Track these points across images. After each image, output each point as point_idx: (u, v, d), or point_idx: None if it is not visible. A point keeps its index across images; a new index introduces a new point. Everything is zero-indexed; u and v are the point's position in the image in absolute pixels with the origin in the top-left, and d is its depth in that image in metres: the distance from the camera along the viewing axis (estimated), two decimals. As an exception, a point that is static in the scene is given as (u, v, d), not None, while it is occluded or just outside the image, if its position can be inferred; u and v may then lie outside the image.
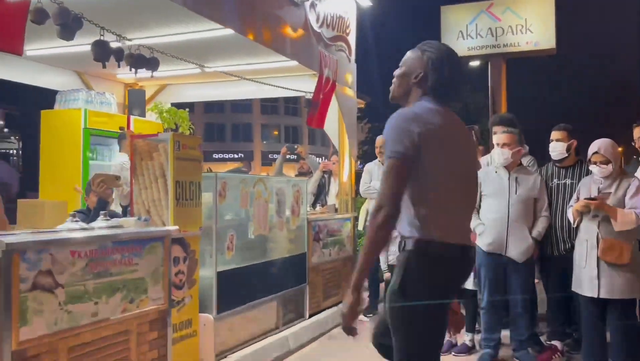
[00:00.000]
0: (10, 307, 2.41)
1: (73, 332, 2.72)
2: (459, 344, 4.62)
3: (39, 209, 5.84)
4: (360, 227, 6.28)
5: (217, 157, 46.27)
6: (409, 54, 2.47)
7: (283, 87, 6.13)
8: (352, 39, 6.49)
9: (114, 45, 4.15)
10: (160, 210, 3.69)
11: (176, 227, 3.54)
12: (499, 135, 4.32)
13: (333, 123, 6.40)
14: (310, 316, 5.32)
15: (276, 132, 51.57)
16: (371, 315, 5.82)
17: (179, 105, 8.12)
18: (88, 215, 3.84)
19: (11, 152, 29.41)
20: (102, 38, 3.88)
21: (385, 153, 2.22)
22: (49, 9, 3.12)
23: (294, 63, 5.42)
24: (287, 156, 7.14)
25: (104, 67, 4.07)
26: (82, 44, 4.37)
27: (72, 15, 3.31)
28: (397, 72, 2.46)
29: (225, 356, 4.02)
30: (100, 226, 3.30)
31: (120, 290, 3.04)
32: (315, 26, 5.54)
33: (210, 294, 3.94)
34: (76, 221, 3.15)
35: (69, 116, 6.21)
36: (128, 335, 3.10)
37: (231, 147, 48.23)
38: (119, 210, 4.35)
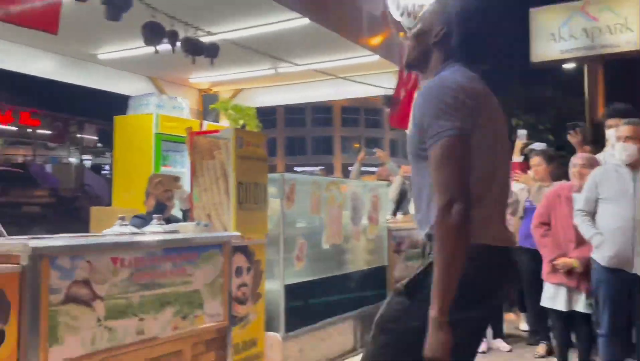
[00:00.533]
0: (38, 323, 2.07)
1: (114, 353, 2.35)
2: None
3: (110, 216, 5.66)
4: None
5: (298, 170, 46.68)
6: (425, 8, 1.96)
7: (360, 82, 5.64)
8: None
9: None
10: (222, 215, 3.30)
11: (238, 233, 3.13)
12: (620, 128, 3.61)
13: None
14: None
15: (357, 145, 51.20)
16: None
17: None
18: (146, 220, 3.52)
19: (105, 166, 30.87)
20: (153, 19, 3.57)
21: (430, 133, 1.68)
22: None
23: (374, 58, 4.96)
24: (361, 166, 6.69)
25: (156, 52, 3.76)
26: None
27: None
28: (411, 32, 1.95)
29: (295, 381, 3.56)
30: (153, 231, 2.95)
31: (172, 304, 2.65)
32: (396, 15, 5.04)
33: (277, 310, 3.49)
34: (125, 225, 2.81)
35: (140, 121, 6.04)
36: (181, 357, 2.70)
37: (312, 160, 48.46)
38: (180, 214, 4.02)
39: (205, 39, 4.21)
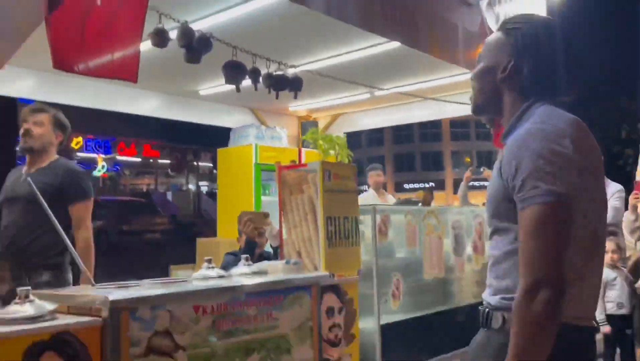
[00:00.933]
0: (119, 376, 2.04)
1: (198, 404, 2.29)
2: None
3: (214, 248, 5.80)
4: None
5: (407, 187, 46.01)
6: (487, 41, 1.69)
7: (459, 103, 5.35)
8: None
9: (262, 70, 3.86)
10: (312, 252, 3.19)
11: (326, 273, 3.00)
12: None
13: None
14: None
15: (468, 159, 49.68)
16: None
17: (353, 134, 7.81)
18: (238, 257, 3.49)
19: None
20: (234, 58, 3.58)
21: (522, 194, 1.43)
22: (171, 29, 2.89)
23: (447, 81, 4.71)
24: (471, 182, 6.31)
25: (238, 90, 3.76)
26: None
27: (198, 36, 3.04)
28: (473, 72, 1.69)
29: None
30: (242, 273, 2.89)
31: (257, 350, 2.55)
32: (494, 28, 4.72)
33: (372, 352, 3.30)
34: (211, 267, 2.77)
35: (241, 152, 6.18)
36: (269, 406, 2.59)
37: (421, 176, 47.67)
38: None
39: (291, 71, 4.19)
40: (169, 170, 31.79)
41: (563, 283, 1.37)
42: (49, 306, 2.08)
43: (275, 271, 3.06)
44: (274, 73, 3.98)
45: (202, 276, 2.74)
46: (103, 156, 25.84)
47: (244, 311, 2.52)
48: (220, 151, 6.49)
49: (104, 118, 13.44)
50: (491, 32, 4.65)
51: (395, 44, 3.85)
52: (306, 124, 7.06)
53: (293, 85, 4.16)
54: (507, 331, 1.44)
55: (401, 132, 46.92)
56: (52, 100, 5.69)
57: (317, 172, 3.16)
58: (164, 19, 2.86)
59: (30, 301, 2.02)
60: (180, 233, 17.52)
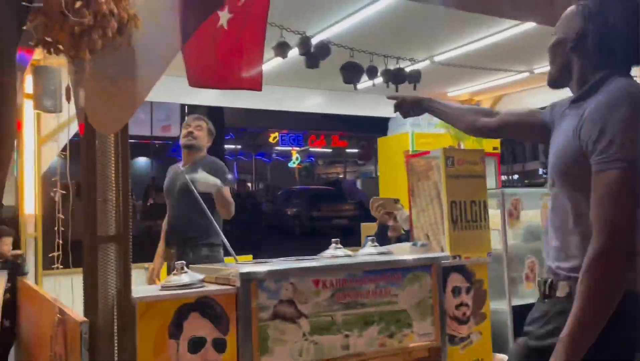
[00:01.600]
0: (250, 335, 2.49)
1: (321, 364, 2.66)
2: None
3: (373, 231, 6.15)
4: None
5: None
6: (560, 18, 1.76)
7: None
8: None
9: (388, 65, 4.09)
10: (438, 235, 3.36)
11: (445, 253, 3.16)
12: None
13: None
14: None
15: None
16: None
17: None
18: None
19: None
20: (352, 59, 3.84)
21: (605, 155, 1.49)
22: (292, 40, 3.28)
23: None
24: None
25: (355, 88, 4.00)
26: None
27: (315, 44, 3.37)
28: (548, 45, 1.76)
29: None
30: (368, 253, 3.20)
31: (376, 322, 2.84)
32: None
33: (505, 332, 3.37)
34: (339, 248, 3.12)
35: (398, 141, 6.43)
36: (390, 372, 2.87)
37: None
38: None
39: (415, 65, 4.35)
40: (357, 159, 33.01)
41: (635, 249, 1.43)
42: (199, 276, 2.61)
43: (402, 252, 3.31)
44: (392, 69, 4.18)
45: (330, 255, 3.10)
46: (297, 149, 27.91)
47: (362, 286, 2.82)
48: (381, 140, 6.82)
49: (294, 115, 14.59)
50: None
51: (532, 24, 3.77)
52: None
53: (411, 78, 4.32)
54: (571, 300, 1.52)
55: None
56: (243, 106, 6.59)
57: (440, 158, 3.31)
58: (285, 32, 3.27)
59: (185, 272, 2.57)
60: (366, 219, 18.29)
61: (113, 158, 2.31)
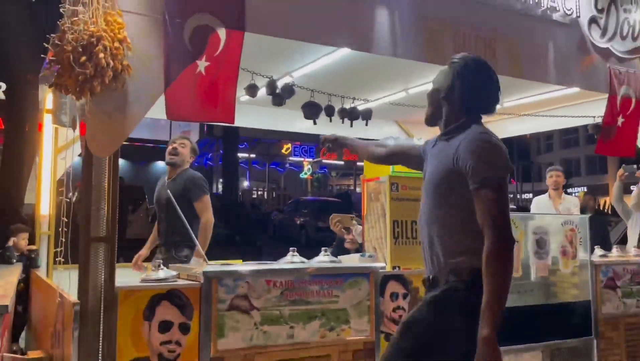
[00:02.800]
0: (210, 321, 3.11)
1: (268, 349, 3.25)
2: None
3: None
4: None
5: (570, 191, 42.37)
6: (439, 72, 2.41)
7: (562, 116, 5.51)
8: (671, 46, 5.36)
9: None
10: (383, 248, 3.95)
11: (382, 263, 3.74)
12: None
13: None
14: (607, 376, 4.56)
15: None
16: None
17: (507, 140, 8.17)
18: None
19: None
20: (312, 99, 4.47)
21: (483, 178, 2.13)
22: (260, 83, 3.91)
23: (575, 90, 4.93)
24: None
25: (315, 123, 4.62)
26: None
27: (281, 86, 3.99)
28: (428, 92, 2.41)
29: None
30: (320, 260, 3.79)
31: (319, 318, 3.44)
32: (600, 42, 4.88)
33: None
34: (295, 255, 3.71)
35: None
36: (329, 360, 3.45)
37: (585, 181, 43.19)
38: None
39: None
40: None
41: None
42: (173, 273, 3.24)
43: (350, 261, 3.91)
44: (347, 108, 4.79)
45: (287, 261, 3.70)
46: (309, 160, 28.60)
47: (308, 287, 3.42)
48: (367, 161, 7.38)
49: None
50: (594, 46, 4.85)
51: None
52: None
53: (364, 115, 4.93)
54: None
55: (569, 137, 43.77)
56: (254, 126, 7.18)
57: (386, 184, 3.91)
58: (255, 76, 3.90)
59: (162, 269, 3.20)
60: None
61: (106, 177, 2.95)
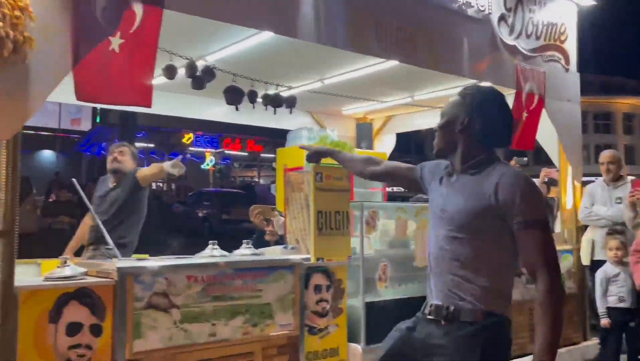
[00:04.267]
0: (125, 321, 2.86)
1: (188, 349, 3.05)
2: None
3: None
4: (584, 261, 5.38)
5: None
6: (447, 103, 2.30)
7: None
8: (570, 46, 5.70)
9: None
10: (306, 240, 3.85)
11: (308, 255, 3.65)
12: None
13: (553, 144, 5.72)
14: (514, 359, 4.76)
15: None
16: None
17: (405, 134, 8.32)
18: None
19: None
20: (234, 83, 4.32)
21: (533, 219, 2.07)
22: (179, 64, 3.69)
23: (485, 84, 5.07)
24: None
25: (237, 109, 4.48)
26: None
27: (202, 68, 3.80)
28: (437, 125, 2.28)
29: (379, 390, 3.91)
30: (242, 253, 3.63)
31: (242, 313, 3.28)
32: (508, 39, 5.07)
33: (358, 324, 3.91)
34: (215, 248, 3.53)
35: (294, 153, 6.87)
36: (252, 357, 3.31)
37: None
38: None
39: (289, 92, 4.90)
40: (273, 164, 33.38)
41: None
42: (81, 270, 2.95)
43: (272, 254, 3.78)
44: (270, 93, 4.67)
45: (207, 254, 3.51)
46: (211, 150, 27.97)
47: (231, 282, 3.25)
48: (280, 150, 7.26)
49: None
50: (503, 42, 5.02)
51: (394, 63, 4.37)
52: (361, 126, 7.66)
53: (288, 102, 4.84)
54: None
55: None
56: (150, 112, 6.77)
57: (311, 173, 3.81)
58: (174, 57, 3.67)
59: (68, 266, 2.90)
60: (276, 223, 18.70)
61: (4, 164, 2.61)
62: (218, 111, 7.07)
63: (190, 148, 27.40)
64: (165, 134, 26.90)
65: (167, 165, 4.19)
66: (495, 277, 2.11)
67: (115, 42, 2.96)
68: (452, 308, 2.14)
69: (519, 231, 2.04)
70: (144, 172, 4.40)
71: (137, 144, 23.61)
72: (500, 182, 2.08)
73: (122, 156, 4.51)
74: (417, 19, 4.35)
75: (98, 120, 26.15)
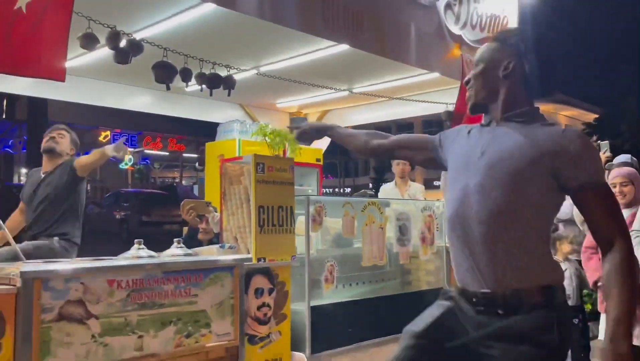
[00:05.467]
0: (30, 337, 2.35)
1: (110, 366, 2.58)
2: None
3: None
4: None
5: (437, 184, 45.78)
6: (483, 49, 2.00)
7: (420, 101, 5.54)
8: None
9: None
10: (246, 238, 3.45)
11: (248, 255, 3.26)
12: None
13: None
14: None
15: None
16: None
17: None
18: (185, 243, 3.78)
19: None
20: (165, 59, 3.87)
21: (602, 182, 1.82)
22: (100, 33, 3.20)
23: (434, 75, 4.88)
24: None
25: (168, 88, 4.04)
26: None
27: (127, 40, 3.34)
28: (473, 73, 1.96)
29: (327, 402, 3.58)
30: (173, 254, 3.18)
31: (174, 323, 2.83)
32: (455, 29, 4.90)
33: (303, 331, 3.55)
34: (142, 248, 3.06)
35: (226, 147, 6.45)
36: (186, 373, 2.87)
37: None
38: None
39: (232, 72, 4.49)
40: (197, 164, 32.44)
41: None
42: (-26, 275, 2.40)
43: (209, 254, 3.35)
44: (206, 73, 4.25)
45: (132, 255, 3.03)
46: (131, 150, 26.67)
47: (161, 286, 2.80)
48: (208, 145, 6.80)
49: (124, 114, 13.92)
50: (449, 32, 4.84)
51: (344, 47, 4.07)
52: (294, 120, 7.31)
53: (227, 83, 4.42)
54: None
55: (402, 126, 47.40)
56: (71, 100, 6.11)
57: (251, 164, 3.41)
58: (94, 24, 3.17)
59: (-44, 270, 2.35)
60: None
61: None
62: (140, 101, 6.53)
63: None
64: (80, 131, 25.33)
65: (109, 149, 3.71)
66: (545, 251, 1.82)
67: (22, 0, 2.46)
68: (484, 292, 1.79)
69: (582, 192, 1.77)
70: (83, 160, 3.91)
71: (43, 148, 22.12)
72: (565, 136, 1.79)
73: (60, 138, 4.03)
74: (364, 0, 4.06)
75: (3, 115, 24.34)
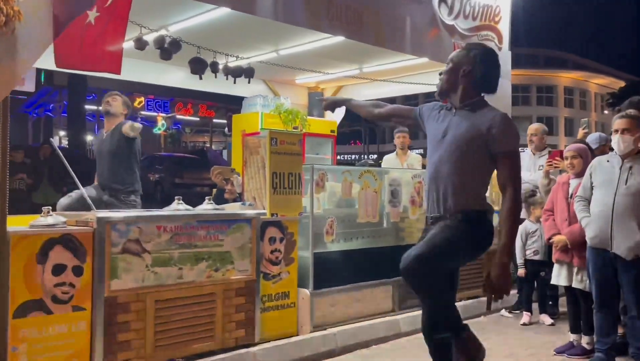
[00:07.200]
0: (103, 263, 3.27)
1: (159, 289, 3.50)
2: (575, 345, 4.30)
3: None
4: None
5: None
6: (454, 52, 2.93)
7: (414, 83, 6.27)
8: (503, 26, 6.27)
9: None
10: (262, 197, 4.32)
11: (263, 211, 4.12)
12: (616, 122, 3.94)
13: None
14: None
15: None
16: (517, 311, 5.64)
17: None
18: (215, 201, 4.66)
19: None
20: (198, 55, 4.70)
21: (512, 150, 2.73)
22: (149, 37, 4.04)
23: (424, 60, 5.59)
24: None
25: (201, 78, 4.86)
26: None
27: (169, 40, 4.16)
28: (445, 68, 2.89)
29: (325, 329, 4.45)
30: (204, 208, 4.06)
31: (205, 260, 3.74)
32: (447, 19, 5.58)
33: (307, 272, 4.43)
34: (181, 203, 3.95)
35: (249, 119, 7.28)
36: (214, 298, 3.78)
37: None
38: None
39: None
40: (226, 129, 33.33)
41: None
42: (62, 218, 3.32)
43: (233, 209, 4.22)
44: (231, 65, 5.07)
45: (173, 208, 3.93)
46: (163, 115, 27.78)
47: (195, 232, 3.69)
48: (235, 117, 7.64)
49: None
50: (442, 22, 5.53)
51: (341, 38, 4.84)
52: (312, 94, 8.08)
53: (247, 73, 5.25)
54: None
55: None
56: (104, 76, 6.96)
57: (267, 139, 4.25)
58: (143, 29, 4.00)
59: (51, 215, 3.27)
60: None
61: (-4, 123, 2.94)
62: (173, 78, 7.37)
63: (142, 112, 27.14)
64: (116, 97, 26.41)
65: (126, 127, 4.66)
66: (481, 190, 2.79)
67: (92, 15, 3.30)
68: (438, 215, 2.80)
69: (500, 157, 2.69)
70: (125, 128, 4.78)
71: (87, 107, 23.26)
72: (495, 119, 2.70)
73: (114, 101, 4.87)
74: (365, -1, 4.79)
75: (42, 80, 25.49)
